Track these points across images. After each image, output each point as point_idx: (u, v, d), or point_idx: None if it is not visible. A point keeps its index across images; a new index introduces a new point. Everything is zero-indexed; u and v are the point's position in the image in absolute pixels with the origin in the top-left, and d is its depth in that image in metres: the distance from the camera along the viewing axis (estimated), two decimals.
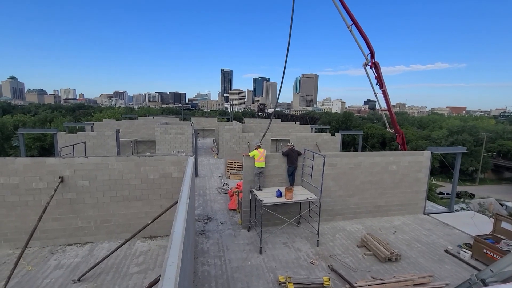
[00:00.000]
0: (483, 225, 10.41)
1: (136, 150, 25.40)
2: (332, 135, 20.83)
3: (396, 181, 11.22)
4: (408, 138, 53.98)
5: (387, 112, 18.45)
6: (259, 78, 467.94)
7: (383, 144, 63.01)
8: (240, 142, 18.90)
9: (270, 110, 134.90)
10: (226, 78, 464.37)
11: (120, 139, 17.44)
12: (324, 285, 6.72)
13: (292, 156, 9.88)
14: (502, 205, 28.21)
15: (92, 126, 21.90)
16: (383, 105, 18.57)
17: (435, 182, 44.83)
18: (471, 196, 38.29)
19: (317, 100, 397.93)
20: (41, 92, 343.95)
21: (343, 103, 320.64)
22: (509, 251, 7.50)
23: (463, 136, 56.70)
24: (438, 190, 39.96)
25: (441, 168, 48.65)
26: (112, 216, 8.62)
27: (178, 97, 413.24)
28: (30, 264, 7.23)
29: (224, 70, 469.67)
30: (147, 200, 8.86)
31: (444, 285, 7.00)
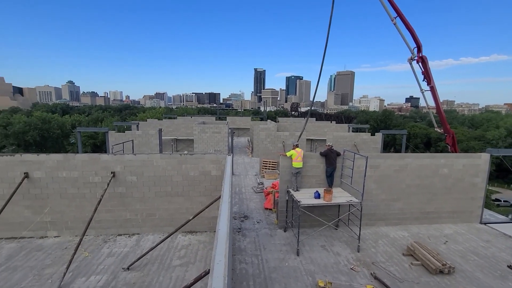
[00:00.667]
0: None
1: (175, 148, 26.76)
2: (372, 134, 19.72)
3: (448, 186, 10.22)
4: (458, 139, 48.94)
5: (433, 110, 16.96)
6: (292, 77, 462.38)
7: (428, 144, 58.07)
8: (275, 142, 18.82)
9: (303, 109, 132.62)
10: (259, 78, 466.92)
11: (162, 138, 18.50)
12: None
13: (331, 157, 9.54)
14: None
15: (137, 125, 23.58)
16: (431, 103, 17.11)
17: (491, 188, 40.14)
18: None
19: (353, 98, 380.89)
20: (93, 95, 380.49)
21: (381, 100, 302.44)
22: None
23: None
24: (494, 196, 35.70)
25: (497, 172, 43.38)
26: (156, 210, 9.16)
27: (213, 97, 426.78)
28: (87, 251, 7.99)
29: (257, 70, 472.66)
30: (187, 196, 9.24)
31: None
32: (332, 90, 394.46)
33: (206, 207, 7.52)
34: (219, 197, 7.45)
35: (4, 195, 8.28)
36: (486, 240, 9.36)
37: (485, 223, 10.62)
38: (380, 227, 10.09)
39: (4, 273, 6.86)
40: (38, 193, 8.56)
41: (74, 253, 6.99)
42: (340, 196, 8.97)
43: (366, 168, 8.39)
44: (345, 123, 49.40)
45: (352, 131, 25.73)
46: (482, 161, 10.35)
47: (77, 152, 15.21)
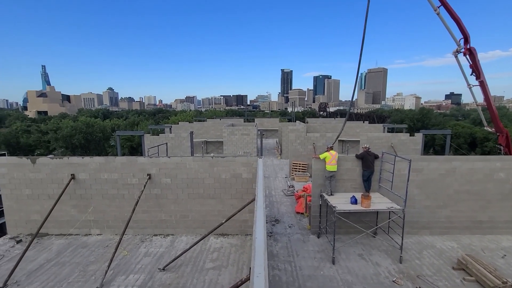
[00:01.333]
0: None
1: (206, 150, 27.38)
2: (411, 135, 18.35)
3: (505, 192, 9.08)
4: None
5: (478, 108, 15.34)
6: (320, 76, 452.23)
7: (473, 145, 52.85)
8: (305, 143, 18.35)
9: (331, 109, 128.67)
10: (286, 78, 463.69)
11: (193, 140, 19.00)
12: None
13: (368, 160, 8.98)
14: None
15: (170, 128, 24.54)
16: (479, 99, 15.51)
17: None
18: None
19: (386, 97, 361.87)
20: (130, 100, 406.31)
21: (418, 98, 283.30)
22: None
23: None
24: None
25: None
26: (189, 212, 9.32)
27: (240, 99, 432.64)
28: (126, 250, 8.34)
29: (284, 71, 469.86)
30: (219, 198, 9.28)
31: None
32: (363, 88, 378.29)
33: (239, 211, 7.45)
34: (252, 201, 7.34)
35: (54, 194, 8.98)
36: None
37: None
38: (423, 236, 9.27)
39: (54, 267, 7.40)
40: (83, 193, 9.16)
41: (115, 252, 7.32)
42: (379, 202, 8.39)
43: (409, 172, 7.72)
44: (377, 123, 46.87)
45: (387, 132, 24.25)
46: None
47: (116, 154, 16.15)
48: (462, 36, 12.84)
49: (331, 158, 8.91)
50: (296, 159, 18.16)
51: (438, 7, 12.54)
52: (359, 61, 10.68)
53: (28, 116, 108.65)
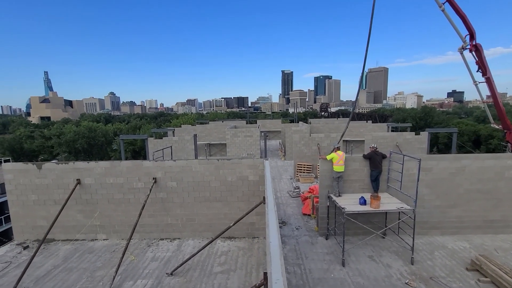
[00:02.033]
0: None
1: (209, 152, 27.32)
2: (416, 134, 18.17)
3: None
4: None
5: (484, 104, 15.18)
6: (321, 77, 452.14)
7: (477, 142, 52.37)
8: (309, 144, 18.24)
9: (333, 109, 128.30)
10: (287, 79, 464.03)
11: (197, 143, 18.95)
12: None
13: (375, 159, 8.85)
14: None
15: (173, 132, 24.52)
16: (485, 96, 15.35)
17: None
18: None
19: (387, 96, 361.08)
20: (131, 104, 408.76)
21: (419, 97, 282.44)
22: None
23: None
24: None
25: None
26: (196, 216, 9.23)
27: (241, 101, 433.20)
28: (133, 254, 8.26)
29: (285, 72, 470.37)
30: (225, 201, 9.18)
31: None
32: (364, 88, 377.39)
33: (247, 213, 7.35)
34: (260, 203, 7.26)
35: (60, 200, 8.93)
36: None
37: None
38: (434, 237, 9.10)
39: (62, 273, 7.33)
40: (88, 198, 9.11)
41: (122, 257, 7.24)
42: (388, 202, 8.25)
43: (419, 171, 7.60)
44: (379, 122, 46.62)
45: (391, 131, 24.08)
46: None
47: (119, 158, 16.10)
48: (467, 33, 12.72)
49: (338, 159, 8.80)
50: (300, 160, 18.03)
51: (443, 3, 12.43)
52: (364, 63, 10.59)
53: (32, 122, 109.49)
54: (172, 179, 9.08)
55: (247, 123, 39.94)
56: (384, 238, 9.00)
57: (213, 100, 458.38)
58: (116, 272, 6.97)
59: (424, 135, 17.63)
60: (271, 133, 38.51)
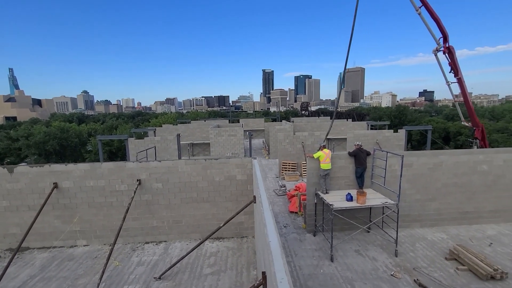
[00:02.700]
0: None
1: (192, 152, 26.81)
2: (395, 131, 18.99)
3: (488, 184, 9.58)
4: None
5: (456, 103, 16.20)
6: (301, 76, 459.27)
7: (446, 139, 55.82)
8: (294, 143, 18.44)
9: (313, 108, 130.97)
10: (268, 79, 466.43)
11: (180, 143, 18.49)
12: None
13: (360, 157, 9.12)
14: None
15: (154, 132, 23.76)
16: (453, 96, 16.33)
17: None
18: None
19: (364, 95, 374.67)
20: (106, 103, 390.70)
21: (394, 96, 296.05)
22: None
23: None
24: None
25: None
26: (182, 217, 9.00)
27: (222, 100, 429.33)
28: (117, 260, 7.90)
29: (266, 71, 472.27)
30: (213, 202, 9.04)
31: None
32: (343, 87, 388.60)
33: (237, 213, 7.27)
34: (250, 203, 7.21)
35: (35, 205, 8.35)
36: None
37: None
38: (415, 229, 9.56)
39: (39, 283, 6.85)
40: (67, 203, 8.59)
41: (106, 263, 6.89)
42: (373, 197, 8.54)
43: (402, 167, 7.92)
44: (358, 120, 48.23)
45: (371, 129, 24.98)
46: None
47: (95, 160, 15.34)
48: (441, 35, 13.47)
49: (325, 157, 8.96)
50: (285, 158, 18.20)
51: (420, 7, 13.07)
52: (345, 64, 10.91)
53: None
54: (157, 180, 8.79)
55: (229, 122, 39.66)
56: (369, 232, 9.31)
57: (193, 99, 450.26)
58: (101, 279, 6.62)
59: (402, 133, 18.48)
60: (254, 132, 38.53)
